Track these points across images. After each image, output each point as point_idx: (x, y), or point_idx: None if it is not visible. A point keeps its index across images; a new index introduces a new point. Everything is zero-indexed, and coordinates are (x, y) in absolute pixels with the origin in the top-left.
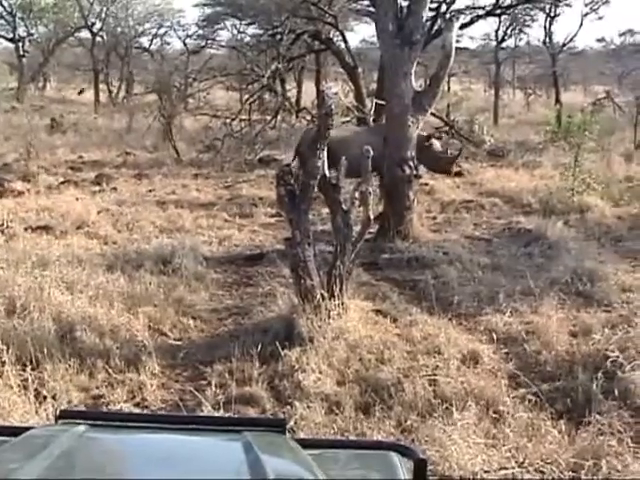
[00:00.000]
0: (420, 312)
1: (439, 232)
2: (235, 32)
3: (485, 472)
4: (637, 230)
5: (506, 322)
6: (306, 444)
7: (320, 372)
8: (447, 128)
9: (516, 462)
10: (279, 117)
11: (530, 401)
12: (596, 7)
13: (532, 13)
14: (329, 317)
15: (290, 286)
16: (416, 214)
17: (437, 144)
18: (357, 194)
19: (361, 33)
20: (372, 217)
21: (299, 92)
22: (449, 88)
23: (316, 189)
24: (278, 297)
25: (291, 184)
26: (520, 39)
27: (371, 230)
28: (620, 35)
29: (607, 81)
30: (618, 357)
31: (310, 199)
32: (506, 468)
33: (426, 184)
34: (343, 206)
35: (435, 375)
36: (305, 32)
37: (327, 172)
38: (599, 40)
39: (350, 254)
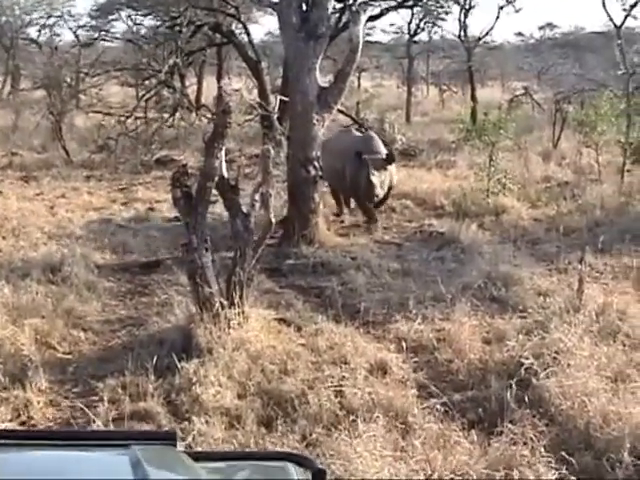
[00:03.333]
0: (326, 320)
1: (347, 236)
2: (131, 24)
3: None
4: (554, 232)
5: (416, 330)
6: (199, 457)
7: (220, 385)
8: (356, 127)
9: (425, 474)
10: (177, 115)
11: (441, 411)
12: None
13: (446, 5)
14: (229, 327)
15: (188, 295)
16: (322, 217)
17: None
18: (257, 196)
19: (267, 25)
20: (274, 220)
21: (199, 88)
22: (359, 84)
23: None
24: (175, 306)
25: (187, 186)
26: (434, 32)
27: (275, 235)
28: (539, 29)
29: (526, 77)
30: (533, 364)
31: (207, 201)
32: None
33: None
34: (243, 209)
35: (341, 386)
36: (205, 24)
37: (225, 173)
38: (518, 34)
39: (251, 260)
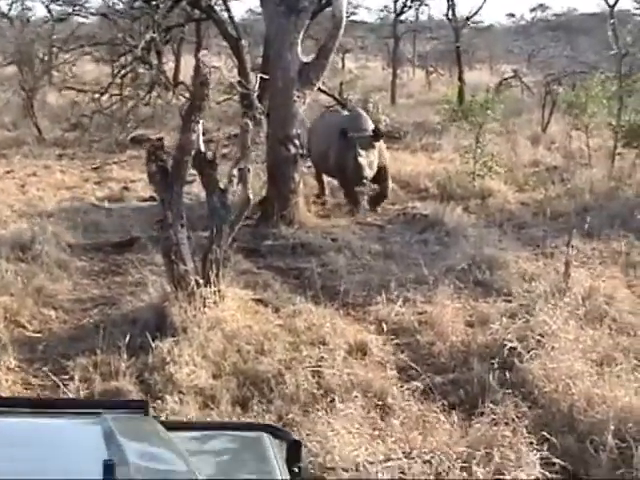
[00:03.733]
0: (305, 302)
1: (328, 218)
2: None
3: (369, 463)
4: (541, 216)
5: (397, 312)
6: (172, 427)
7: (194, 364)
8: (339, 107)
9: (403, 453)
10: (154, 93)
11: (422, 393)
12: None
13: None
14: (204, 306)
15: (163, 274)
16: (303, 198)
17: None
18: (235, 172)
19: (247, 2)
20: (252, 197)
21: (177, 66)
22: (343, 65)
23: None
24: (149, 286)
25: (163, 160)
26: (421, 12)
27: (253, 216)
28: (531, 10)
29: (516, 60)
30: (516, 347)
31: (184, 177)
32: (392, 459)
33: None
34: (220, 185)
35: (319, 367)
36: None
37: (203, 147)
38: (508, 15)
39: (227, 237)
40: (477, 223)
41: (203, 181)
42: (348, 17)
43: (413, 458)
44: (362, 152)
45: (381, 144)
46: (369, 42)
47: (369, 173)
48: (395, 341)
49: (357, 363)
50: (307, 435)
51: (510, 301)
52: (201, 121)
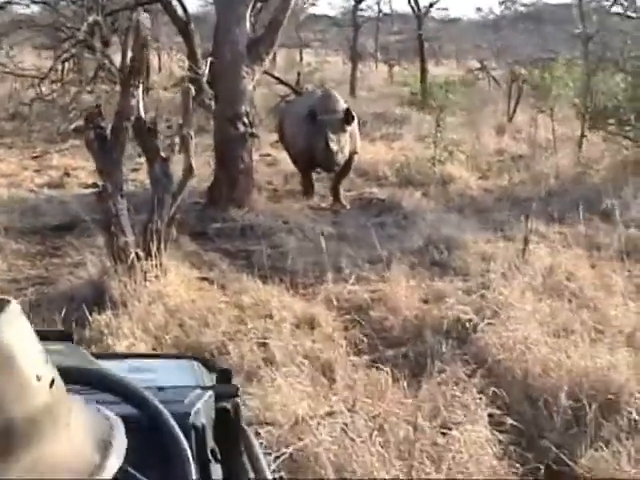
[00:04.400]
0: (253, 281)
1: (279, 202)
2: None
3: (310, 418)
4: (505, 202)
5: (350, 290)
6: (101, 356)
7: (134, 337)
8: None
9: (346, 408)
10: (98, 80)
11: (371, 366)
12: None
13: None
14: (145, 279)
15: (104, 254)
16: (254, 181)
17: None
18: (177, 139)
19: None
20: (194, 164)
21: (124, 56)
22: (301, 59)
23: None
24: (89, 265)
25: (101, 127)
26: (384, 2)
27: (200, 200)
28: (500, 4)
29: (484, 55)
30: (471, 319)
31: (123, 145)
32: (334, 412)
33: (268, 155)
34: (161, 153)
35: (265, 339)
36: None
37: (143, 113)
38: (477, 9)
39: (169, 208)
40: (436, 208)
41: (143, 149)
42: (307, 7)
43: (357, 412)
44: (333, 136)
45: (354, 127)
46: (330, 37)
47: (341, 159)
48: (346, 317)
49: (305, 336)
50: (248, 397)
51: (467, 280)
52: (141, 86)
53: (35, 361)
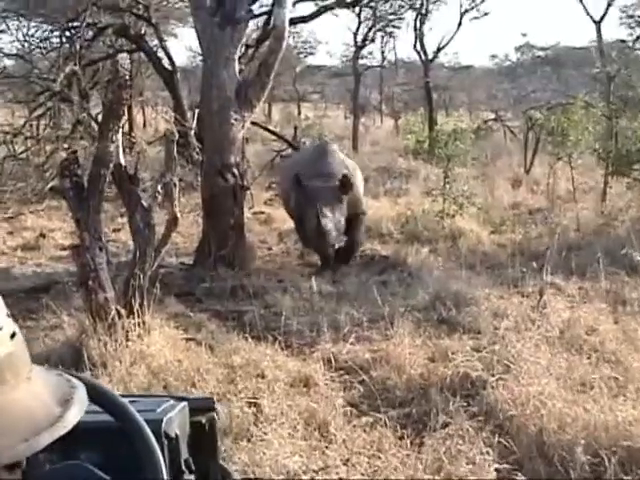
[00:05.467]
0: (244, 340)
1: (274, 262)
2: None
3: (303, 472)
4: (520, 257)
5: (349, 350)
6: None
7: None
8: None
9: (341, 461)
10: (77, 135)
11: (372, 426)
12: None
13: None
14: (127, 339)
15: (83, 314)
16: (245, 238)
17: None
18: (160, 187)
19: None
20: (179, 215)
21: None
22: (299, 112)
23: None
24: (66, 326)
25: (78, 175)
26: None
27: (187, 261)
28: (516, 50)
29: (500, 105)
30: (481, 376)
31: (102, 193)
32: (329, 467)
33: (262, 212)
34: (143, 202)
35: (256, 398)
36: (109, 26)
37: (122, 159)
38: (492, 57)
39: (152, 261)
40: (445, 265)
41: (123, 198)
42: (305, 57)
43: (354, 466)
44: (326, 211)
45: (357, 183)
46: (330, 89)
47: (335, 239)
48: (345, 377)
49: (300, 396)
50: (245, 466)
51: (478, 338)
52: (120, 130)
53: None
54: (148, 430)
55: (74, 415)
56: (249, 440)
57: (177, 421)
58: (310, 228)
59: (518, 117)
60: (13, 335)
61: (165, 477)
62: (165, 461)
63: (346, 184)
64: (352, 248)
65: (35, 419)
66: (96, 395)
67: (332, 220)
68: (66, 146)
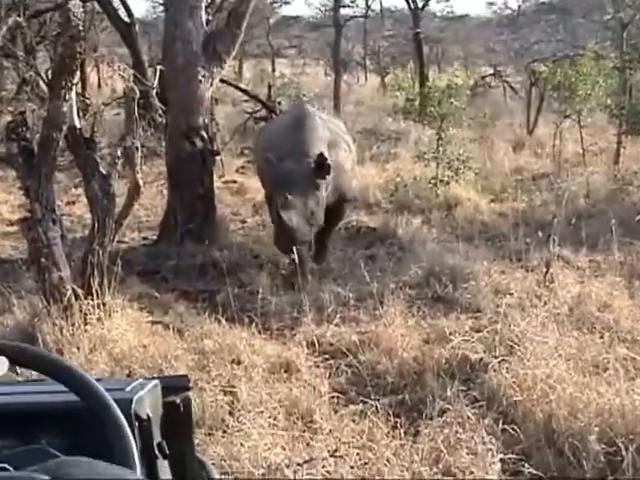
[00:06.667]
0: (217, 324)
1: (248, 236)
2: None
3: (286, 466)
4: (524, 227)
5: (335, 332)
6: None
7: None
8: (266, 112)
9: (329, 452)
10: (22, 96)
11: (363, 415)
12: None
13: None
14: (85, 322)
15: (35, 296)
16: (215, 209)
17: None
18: (120, 151)
19: None
20: (142, 183)
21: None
22: (274, 69)
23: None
24: (15, 309)
25: (27, 139)
26: None
27: (151, 236)
28: None
29: (499, 59)
30: (482, 359)
31: (54, 159)
32: (314, 459)
33: (234, 181)
34: (101, 168)
35: (233, 386)
36: None
37: (77, 121)
38: (488, 4)
39: (113, 235)
40: (439, 237)
41: (78, 163)
42: (280, 7)
43: (342, 458)
44: (295, 201)
45: (341, 159)
46: (308, 43)
47: (304, 234)
48: (330, 361)
49: (281, 384)
50: (222, 459)
51: (478, 317)
52: (74, 88)
53: None
54: (118, 410)
55: None
56: (225, 431)
57: (148, 401)
58: (273, 217)
59: (519, 72)
60: None
61: (137, 463)
62: (136, 445)
63: (323, 165)
64: (325, 234)
65: None
66: (57, 371)
67: (300, 211)
68: (11, 109)
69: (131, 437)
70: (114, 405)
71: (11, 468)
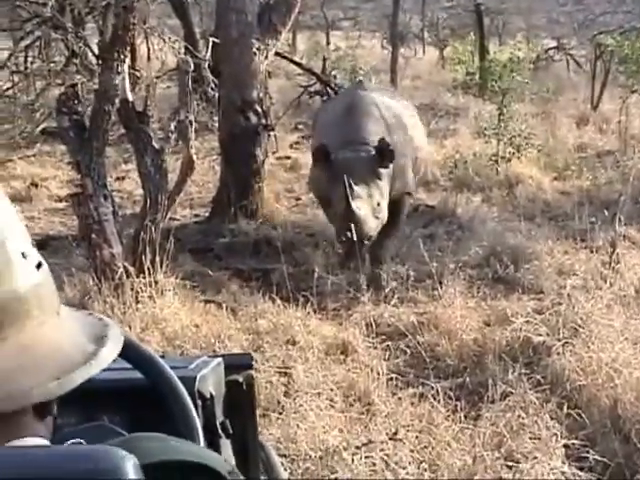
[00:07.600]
0: (272, 304)
1: (303, 214)
2: None
3: (344, 449)
4: (588, 206)
5: (393, 313)
6: None
7: None
8: (321, 86)
9: (387, 434)
10: (71, 69)
11: (422, 398)
12: None
13: None
14: (137, 301)
15: (86, 273)
16: (270, 186)
17: None
18: (173, 125)
19: None
20: (195, 158)
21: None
22: (328, 42)
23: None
24: (66, 287)
25: (78, 112)
26: None
27: (203, 213)
28: None
29: (563, 31)
30: (544, 341)
31: (106, 133)
32: (372, 442)
33: (287, 157)
34: (154, 143)
35: (288, 368)
36: None
37: (129, 94)
38: None
39: (165, 211)
40: (500, 215)
41: (131, 138)
42: None
43: (401, 441)
44: (360, 191)
45: (403, 144)
46: (364, 14)
47: (372, 226)
48: (387, 343)
49: (336, 365)
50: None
51: (540, 299)
52: (126, 61)
53: (19, 238)
54: (182, 389)
55: (109, 352)
56: (280, 413)
57: (212, 379)
58: (337, 208)
59: (584, 45)
60: (39, 265)
61: (201, 442)
62: (199, 424)
63: (384, 152)
64: (387, 234)
65: (67, 356)
66: (122, 348)
67: (366, 201)
68: (59, 81)
69: (196, 416)
70: (179, 383)
71: (84, 442)
